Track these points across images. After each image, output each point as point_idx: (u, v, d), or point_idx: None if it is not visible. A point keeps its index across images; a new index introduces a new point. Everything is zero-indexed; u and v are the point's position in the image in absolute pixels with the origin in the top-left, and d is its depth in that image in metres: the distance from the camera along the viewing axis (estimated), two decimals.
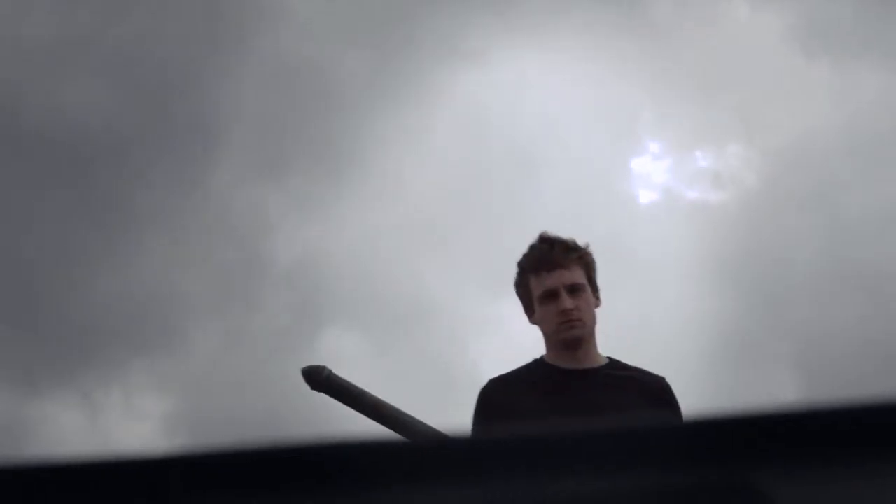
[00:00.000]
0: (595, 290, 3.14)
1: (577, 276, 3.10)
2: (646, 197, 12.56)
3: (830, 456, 0.88)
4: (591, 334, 3.12)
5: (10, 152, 10.60)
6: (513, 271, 3.22)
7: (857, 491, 0.87)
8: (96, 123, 10.70)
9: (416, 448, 0.95)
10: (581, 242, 3.16)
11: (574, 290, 3.08)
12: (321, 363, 2.93)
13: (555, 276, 3.08)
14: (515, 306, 3.22)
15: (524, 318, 3.20)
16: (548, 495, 0.86)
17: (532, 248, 3.17)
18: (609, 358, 3.14)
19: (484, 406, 3.05)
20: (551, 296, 3.08)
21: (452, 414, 3.56)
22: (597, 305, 3.13)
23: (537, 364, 3.15)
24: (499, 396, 3.04)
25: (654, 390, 3.07)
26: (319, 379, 2.87)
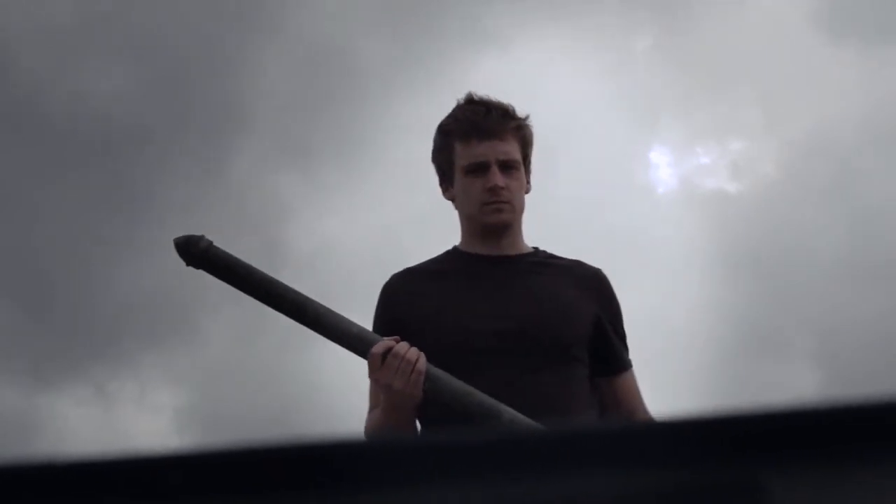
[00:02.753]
0: (528, 171, 2.65)
1: (513, 150, 2.60)
2: (664, 186, 12.51)
3: (833, 456, 0.86)
4: (519, 221, 2.65)
5: (28, 138, 10.62)
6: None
7: (859, 492, 0.85)
8: (115, 110, 10.70)
9: (417, 447, 0.93)
10: (519, 111, 2.64)
11: (507, 166, 2.59)
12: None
13: (486, 146, 2.58)
14: None
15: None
16: (547, 496, 0.85)
17: (462, 108, 2.65)
18: (536, 248, 2.69)
19: (386, 301, 2.62)
20: (479, 169, 2.58)
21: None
22: (527, 191, 2.65)
23: (449, 253, 2.69)
24: (403, 288, 2.63)
25: (587, 278, 2.64)
26: (196, 251, 2.41)
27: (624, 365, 2.67)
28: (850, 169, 11.05)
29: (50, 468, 0.87)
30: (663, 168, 12.98)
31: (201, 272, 2.46)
